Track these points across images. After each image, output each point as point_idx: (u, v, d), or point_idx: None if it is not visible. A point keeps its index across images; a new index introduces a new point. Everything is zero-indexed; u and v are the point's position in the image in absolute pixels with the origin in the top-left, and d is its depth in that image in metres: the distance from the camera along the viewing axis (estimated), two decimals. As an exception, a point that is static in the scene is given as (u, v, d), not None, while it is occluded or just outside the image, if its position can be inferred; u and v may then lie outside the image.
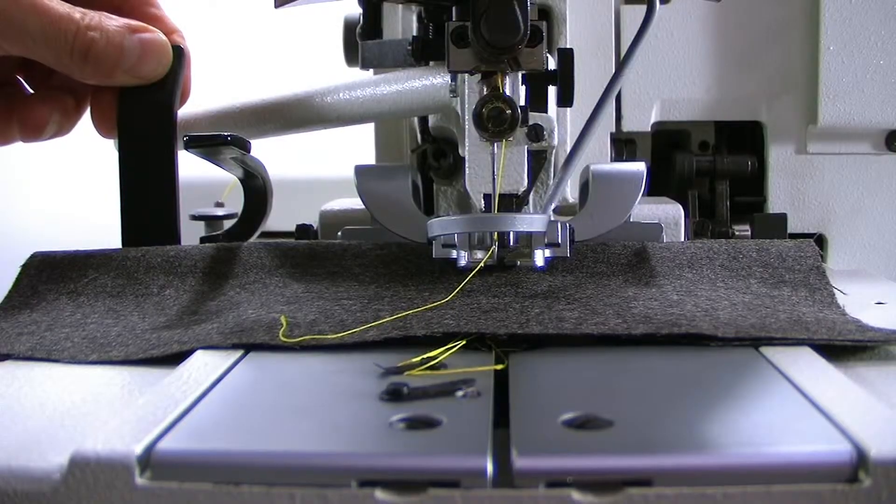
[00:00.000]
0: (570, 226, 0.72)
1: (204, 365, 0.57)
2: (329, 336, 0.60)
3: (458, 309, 0.65)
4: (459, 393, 0.50)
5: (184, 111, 0.85)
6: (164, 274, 0.76)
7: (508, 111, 0.67)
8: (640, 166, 0.78)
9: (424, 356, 0.56)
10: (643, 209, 0.87)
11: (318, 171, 1.29)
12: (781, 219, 0.95)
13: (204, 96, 0.89)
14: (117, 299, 0.74)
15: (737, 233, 0.98)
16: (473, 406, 0.49)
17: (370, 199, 0.77)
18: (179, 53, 0.80)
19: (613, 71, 0.91)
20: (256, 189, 0.86)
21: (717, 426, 0.46)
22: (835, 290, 0.72)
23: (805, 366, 0.55)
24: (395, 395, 0.49)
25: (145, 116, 0.80)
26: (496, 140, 0.69)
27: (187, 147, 0.79)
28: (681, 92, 1.00)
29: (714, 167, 1.00)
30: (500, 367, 0.55)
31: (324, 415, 0.49)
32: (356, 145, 1.09)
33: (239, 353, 0.59)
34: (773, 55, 0.99)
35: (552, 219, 0.72)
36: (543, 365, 0.57)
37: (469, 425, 0.46)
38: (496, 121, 0.67)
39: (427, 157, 0.94)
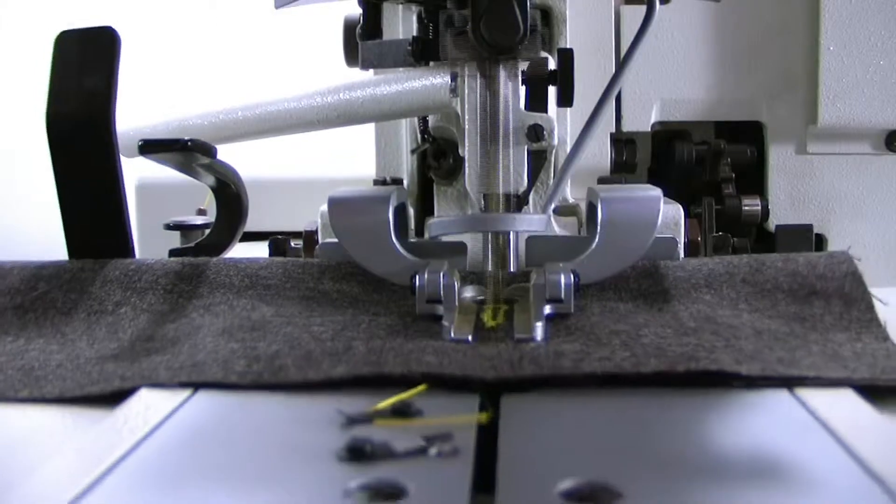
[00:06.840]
0: (573, 275, 0.64)
1: (145, 409, 0.51)
2: (289, 378, 0.54)
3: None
4: (433, 450, 0.43)
5: (184, 115, 0.84)
6: (122, 289, 0.70)
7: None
8: (655, 193, 0.70)
9: (396, 398, 0.50)
10: None
11: (317, 172, 1.29)
12: (806, 230, 0.92)
13: (205, 97, 0.89)
14: (67, 317, 0.68)
15: (746, 207, 0.96)
16: (449, 470, 0.42)
17: (345, 236, 0.71)
18: (114, 37, 0.73)
19: (613, 71, 0.91)
20: (230, 198, 0.80)
21: (751, 496, 0.39)
22: (874, 301, 0.65)
23: (848, 414, 0.47)
24: (356, 453, 0.43)
25: (77, 107, 0.73)
26: (500, 55, 0.62)
27: (142, 152, 0.73)
28: (681, 92, 1.00)
29: (714, 151, 0.99)
30: (483, 418, 0.48)
31: (271, 481, 0.42)
32: (356, 145, 1.09)
33: (187, 393, 0.53)
34: (773, 55, 0.99)
35: (551, 218, 0.71)
36: (538, 414, 0.50)
37: (441, 494, 0.39)
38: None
39: (427, 157, 0.94)
